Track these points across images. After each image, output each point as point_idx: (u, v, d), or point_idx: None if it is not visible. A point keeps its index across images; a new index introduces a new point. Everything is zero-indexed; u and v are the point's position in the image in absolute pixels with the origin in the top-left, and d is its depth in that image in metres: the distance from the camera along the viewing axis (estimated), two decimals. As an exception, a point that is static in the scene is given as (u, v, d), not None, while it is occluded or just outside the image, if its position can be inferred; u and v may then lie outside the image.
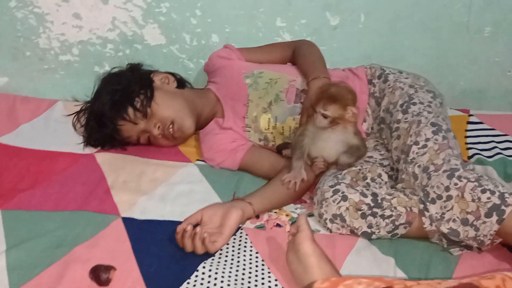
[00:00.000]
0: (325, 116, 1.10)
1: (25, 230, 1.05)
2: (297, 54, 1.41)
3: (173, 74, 1.46)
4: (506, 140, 1.39)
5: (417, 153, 1.09)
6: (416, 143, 1.11)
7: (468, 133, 1.44)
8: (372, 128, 1.32)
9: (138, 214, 1.11)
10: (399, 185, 1.11)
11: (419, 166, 1.07)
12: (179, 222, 1.06)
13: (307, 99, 1.25)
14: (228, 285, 0.92)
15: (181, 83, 1.47)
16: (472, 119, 1.50)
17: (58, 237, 1.03)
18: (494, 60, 1.56)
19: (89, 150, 1.35)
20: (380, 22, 1.51)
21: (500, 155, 1.31)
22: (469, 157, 1.33)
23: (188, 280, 0.93)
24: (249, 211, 1.08)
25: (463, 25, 1.50)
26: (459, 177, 1.00)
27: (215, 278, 0.93)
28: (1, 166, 1.26)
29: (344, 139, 1.15)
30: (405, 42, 1.54)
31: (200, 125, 1.39)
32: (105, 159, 1.31)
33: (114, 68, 1.43)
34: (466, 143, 1.39)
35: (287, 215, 1.13)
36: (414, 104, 1.20)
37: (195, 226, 1.00)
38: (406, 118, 1.18)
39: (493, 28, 1.51)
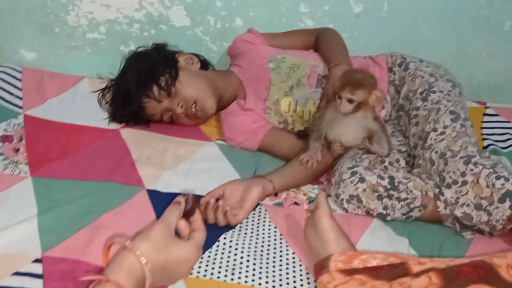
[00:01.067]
0: (351, 101, 1.12)
1: (55, 197, 1.10)
2: (320, 41, 1.44)
3: (197, 55, 1.49)
4: (521, 132, 1.42)
5: (435, 139, 1.13)
6: (435, 129, 1.14)
7: (484, 125, 1.47)
8: (390, 115, 1.35)
9: (162, 187, 1.15)
10: (416, 170, 1.14)
11: (436, 152, 1.10)
12: (201, 196, 1.10)
13: (328, 85, 1.29)
14: (248, 255, 0.96)
15: (205, 64, 1.51)
16: (488, 111, 1.53)
17: (86, 205, 1.07)
18: (513, 54, 1.58)
19: (114, 126, 1.40)
20: (402, 12, 1.53)
21: (514, 147, 1.34)
22: (484, 147, 1.36)
23: (209, 249, 0.97)
24: (269, 188, 1.12)
25: (483, 18, 1.52)
26: (475, 164, 1.03)
27: (236, 249, 0.98)
28: (31, 137, 1.31)
29: (363, 125, 1.18)
30: (425, 33, 1.56)
31: (222, 106, 1.43)
32: (130, 135, 1.36)
33: (139, 47, 1.47)
34: (482, 134, 1.42)
35: (304, 195, 1.17)
36: (434, 92, 1.22)
37: (217, 200, 1.05)
38: (425, 106, 1.20)
39: (514, 22, 1.52)
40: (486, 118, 1.50)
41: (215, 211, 1.02)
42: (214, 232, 1.02)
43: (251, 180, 1.13)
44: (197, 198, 0.85)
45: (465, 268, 0.78)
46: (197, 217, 0.84)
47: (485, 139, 1.39)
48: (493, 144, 1.36)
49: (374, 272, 0.84)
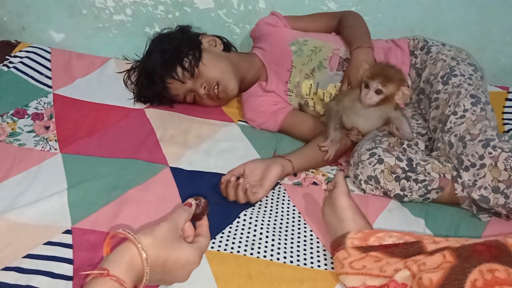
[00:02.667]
0: (378, 93, 1.11)
1: (83, 172, 1.15)
2: (343, 24, 1.45)
3: (220, 38, 1.52)
4: (543, 118, 1.41)
5: (454, 122, 1.13)
6: (454, 113, 1.15)
7: (506, 110, 1.46)
8: (410, 99, 1.36)
9: (185, 165, 1.19)
10: (434, 153, 1.15)
11: (455, 135, 1.11)
12: (223, 174, 1.14)
13: (350, 68, 1.30)
14: (267, 231, 1.00)
15: (228, 46, 1.53)
16: (510, 96, 1.52)
17: (113, 180, 1.12)
18: (538, 39, 1.56)
19: (139, 106, 1.44)
20: (426, -5, 1.52)
21: (535, 132, 1.34)
22: (505, 132, 1.36)
23: (230, 225, 1.01)
24: (289, 167, 1.15)
25: (508, 2, 1.50)
26: (494, 147, 1.03)
27: (255, 225, 1.01)
28: (60, 115, 1.36)
29: (383, 114, 1.18)
30: (449, 16, 1.55)
31: (244, 87, 1.45)
32: (154, 115, 1.40)
33: (164, 29, 1.50)
34: (503, 119, 1.42)
35: (323, 175, 1.20)
36: (455, 76, 1.23)
37: (237, 178, 1.08)
38: (446, 89, 1.21)
39: (540, 5, 1.50)
40: (508, 103, 1.49)
41: (236, 188, 1.06)
42: (234, 209, 1.05)
43: (270, 159, 1.16)
44: (208, 204, 0.86)
45: (478, 247, 0.80)
46: (204, 222, 0.84)
47: (506, 123, 1.39)
48: (514, 129, 1.36)
49: (390, 249, 0.86)
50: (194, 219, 0.84)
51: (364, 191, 1.13)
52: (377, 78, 1.10)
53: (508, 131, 1.36)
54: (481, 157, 1.04)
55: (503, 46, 1.58)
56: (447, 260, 0.80)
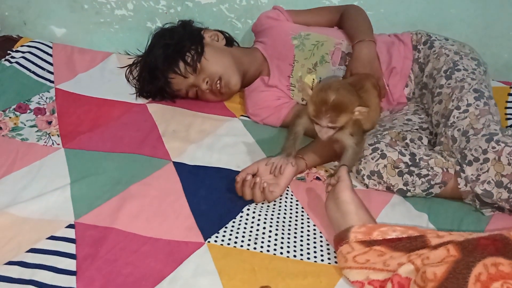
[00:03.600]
0: (332, 127, 1.00)
1: (86, 167, 1.15)
2: (345, 18, 1.44)
3: (222, 32, 1.51)
4: (546, 112, 1.41)
5: (457, 117, 1.13)
6: (458, 107, 1.14)
7: (509, 105, 1.45)
8: (413, 93, 1.35)
9: (188, 160, 1.19)
10: (437, 148, 1.15)
11: (458, 129, 1.11)
12: (226, 169, 1.14)
13: (352, 62, 1.30)
14: (270, 226, 1.00)
15: (230, 41, 1.53)
16: (513, 91, 1.51)
17: (116, 175, 1.12)
18: (541, 34, 1.55)
19: (141, 101, 1.44)
20: (429, -11, 1.52)
21: (538, 127, 1.33)
22: (508, 127, 1.35)
23: (233, 219, 1.01)
24: (302, 165, 1.15)
25: (512, -4, 1.50)
26: (497, 141, 1.03)
27: (258, 220, 1.01)
28: (62, 110, 1.36)
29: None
30: (452, 11, 1.54)
31: (246, 82, 1.45)
32: (157, 110, 1.40)
33: (166, 24, 1.49)
34: (506, 114, 1.41)
35: (326, 171, 1.20)
36: (458, 70, 1.22)
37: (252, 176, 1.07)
38: (449, 84, 1.21)
39: (543, 0, 1.50)
40: (511, 98, 1.48)
41: (253, 187, 1.05)
42: (237, 203, 1.06)
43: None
44: None
45: (483, 241, 0.80)
46: None
47: (509, 118, 1.39)
48: (517, 124, 1.35)
49: (393, 244, 0.87)
50: None
51: (367, 186, 1.13)
52: (324, 117, 0.98)
53: (510, 126, 1.35)
54: (485, 152, 1.03)
55: (506, 41, 1.58)
56: (451, 254, 0.80)
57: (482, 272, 0.75)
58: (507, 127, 1.36)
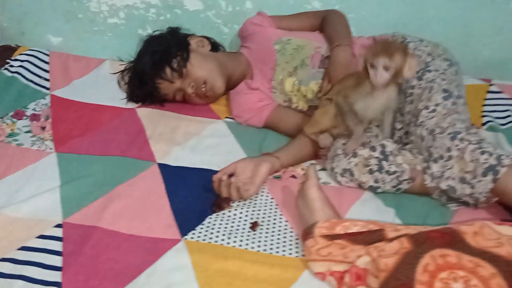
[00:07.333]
0: (387, 68, 1.05)
1: (76, 170, 1.22)
2: (325, 23, 1.49)
3: (208, 38, 1.58)
4: (523, 109, 1.45)
5: (426, 116, 1.18)
6: (427, 107, 1.19)
7: (486, 102, 1.50)
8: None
9: (172, 161, 1.26)
10: (408, 146, 1.20)
11: (426, 128, 1.16)
12: (207, 170, 1.21)
13: (329, 65, 1.35)
14: (245, 221, 1.06)
15: (215, 46, 1.60)
16: (492, 88, 1.55)
17: (103, 177, 1.20)
18: (519, 31, 1.59)
19: (131, 105, 1.51)
20: (408, -8, 1.56)
21: (513, 123, 1.38)
22: (483, 124, 1.40)
23: (210, 216, 1.08)
24: (277, 164, 1.21)
25: (488, -4, 1.54)
26: (461, 139, 1.08)
27: (234, 216, 1.08)
28: (56, 115, 1.44)
29: (388, 97, 1.14)
30: (431, 12, 1.58)
31: (231, 85, 1.51)
32: (145, 113, 1.47)
33: (156, 31, 1.57)
34: (482, 111, 1.45)
35: (302, 169, 1.26)
36: (429, 71, 1.27)
37: (229, 176, 1.13)
38: (420, 84, 1.25)
39: (520, -1, 1.53)
40: (489, 96, 1.52)
41: (229, 186, 1.12)
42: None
43: (260, 157, 1.22)
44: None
45: (432, 234, 0.86)
46: None
47: (485, 116, 1.43)
48: (491, 121, 1.39)
49: (354, 237, 0.92)
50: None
51: (340, 183, 1.19)
52: (382, 54, 1.05)
53: (485, 123, 1.40)
54: (449, 149, 1.08)
55: (485, 39, 1.62)
56: (404, 246, 0.86)
57: (429, 263, 0.81)
58: (482, 124, 1.40)
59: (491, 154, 1.05)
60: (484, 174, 1.04)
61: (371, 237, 0.92)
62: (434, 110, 1.18)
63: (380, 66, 1.05)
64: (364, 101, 1.13)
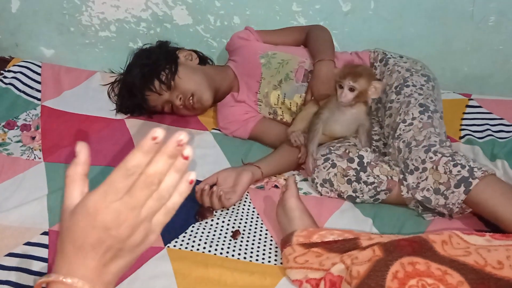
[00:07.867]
0: (352, 89, 1.17)
1: (63, 179, 1.24)
2: (309, 38, 1.55)
3: (196, 52, 1.62)
4: (500, 123, 1.49)
5: (403, 129, 1.23)
6: (404, 121, 1.24)
7: (465, 116, 1.54)
8: (370, 107, 1.45)
9: (158, 171, 1.29)
10: (387, 158, 1.25)
11: (403, 141, 1.20)
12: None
13: (312, 79, 1.40)
14: (226, 230, 1.10)
15: (203, 60, 1.64)
16: (471, 103, 1.60)
17: (90, 186, 1.21)
18: (498, 48, 1.64)
19: (120, 116, 1.55)
20: (389, 9, 1.61)
21: (491, 137, 1.41)
22: (461, 137, 1.44)
23: (193, 225, 1.11)
24: (258, 173, 1.25)
25: (468, 14, 1.59)
26: (435, 152, 1.13)
27: (217, 225, 1.12)
28: (46, 126, 1.47)
29: (356, 117, 1.25)
30: (411, 29, 1.64)
31: (219, 98, 1.56)
32: (134, 124, 1.51)
33: (145, 44, 1.61)
34: (461, 125, 1.50)
35: (284, 179, 1.30)
36: (407, 86, 1.32)
37: (211, 186, 1.17)
38: (398, 99, 1.31)
39: (498, 17, 1.58)
40: (468, 110, 1.57)
41: (211, 196, 1.16)
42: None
43: (241, 167, 1.26)
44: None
45: (402, 242, 0.90)
46: None
47: (463, 129, 1.48)
48: (469, 135, 1.44)
49: (329, 246, 0.96)
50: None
51: (320, 193, 1.23)
52: (348, 76, 1.16)
53: (463, 136, 1.44)
54: (423, 161, 1.13)
55: (464, 56, 1.67)
56: (376, 254, 0.90)
57: (399, 270, 0.85)
58: (460, 137, 1.45)
59: (463, 167, 1.09)
60: (457, 186, 1.09)
61: (346, 245, 0.95)
62: (411, 124, 1.22)
63: (346, 87, 1.17)
64: (332, 115, 1.24)
